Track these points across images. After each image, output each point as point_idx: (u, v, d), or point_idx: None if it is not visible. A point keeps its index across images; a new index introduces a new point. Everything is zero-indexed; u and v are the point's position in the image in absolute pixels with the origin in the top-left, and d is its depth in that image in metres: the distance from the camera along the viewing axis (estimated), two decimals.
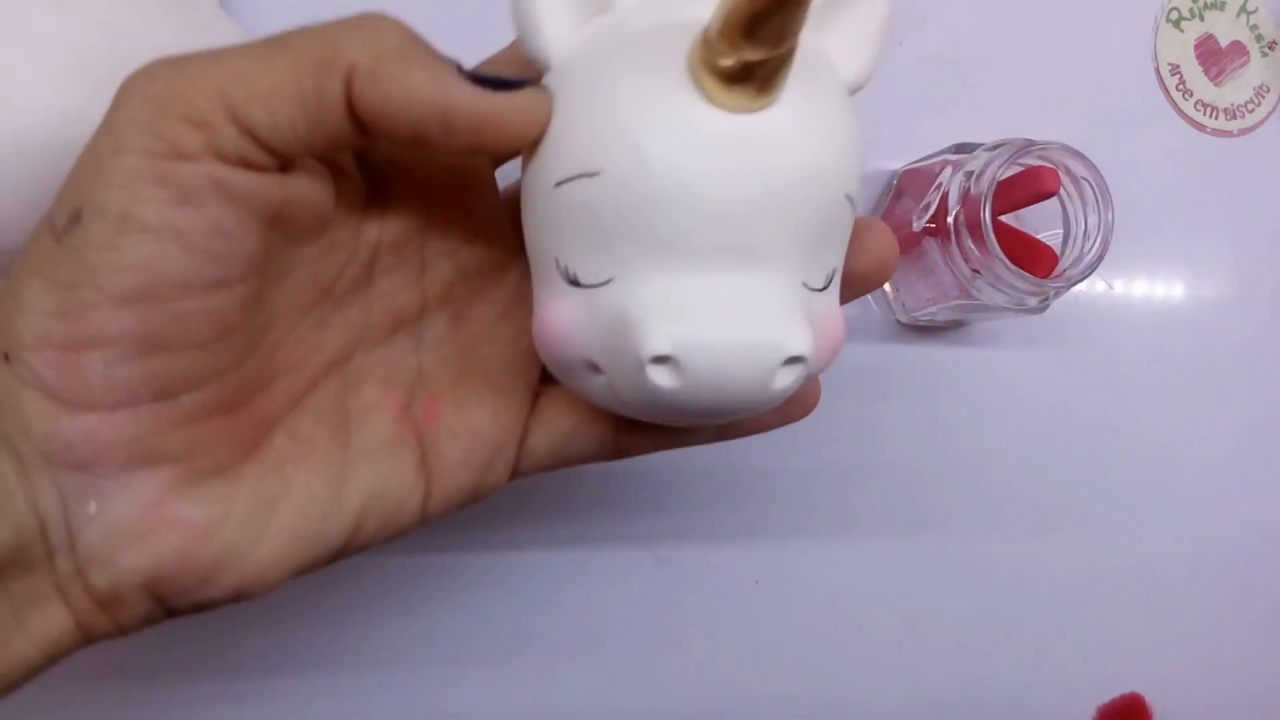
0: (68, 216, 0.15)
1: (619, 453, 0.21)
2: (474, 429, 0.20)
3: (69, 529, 0.15)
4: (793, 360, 0.16)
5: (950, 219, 0.27)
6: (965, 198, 0.27)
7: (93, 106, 0.21)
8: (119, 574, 0.16)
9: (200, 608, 0.17)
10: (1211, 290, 0.36)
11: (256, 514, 0.17)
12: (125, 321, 0.15)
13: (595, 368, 0.17)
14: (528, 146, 0.17)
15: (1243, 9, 0.36)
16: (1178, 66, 0.36)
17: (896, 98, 0.34)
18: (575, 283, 0.16)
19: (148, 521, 0.16)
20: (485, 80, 0.16)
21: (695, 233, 0.15)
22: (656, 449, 0.21)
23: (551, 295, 0.17)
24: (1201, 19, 0.36)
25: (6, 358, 0.15)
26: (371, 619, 0.30)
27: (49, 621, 0.16)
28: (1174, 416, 0.35)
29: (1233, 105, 0.36)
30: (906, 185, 0.32)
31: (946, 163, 0.29)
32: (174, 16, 0.23)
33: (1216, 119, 0.36)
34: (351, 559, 0.19)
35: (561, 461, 0.21)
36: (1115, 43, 0.36)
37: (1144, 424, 0.35)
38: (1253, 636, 0.36)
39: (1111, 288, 0.35)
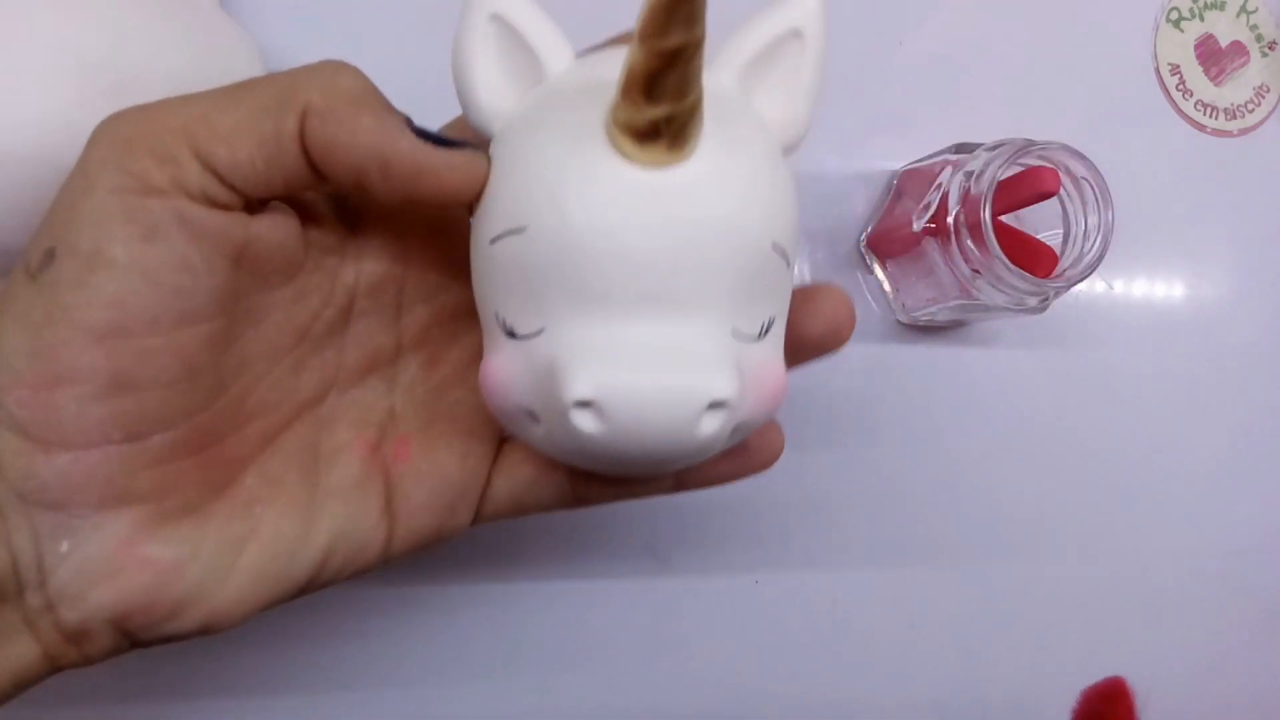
0: (41, 255, 0.16)
1: (578, 501, 0.22)
2: (441, 473, 0.20)
3: (40, 566, 0.16)
4: (716, 405, 0.16)
5: (950, 219, 0.27)
6: (965, 198, 0.27)
7: (93, 107, 0.21)
8: (89, 610, 0.16)
9: (166, 640, 0.17)
10: (1211, 290, 0.36)
11: (225, 553, 0.17)
12: (96, 358, 0.15)
13: (534, 416, 0.17)
14: (468, 205, 0.18)
15: (1243, 9, 0.36)
16: (1178, 66, 0.36)
17: (896, 98, 0.34)
18: (512, 334, 0.17)
19: (118, 560, 0.16)
20: (428, 135, 0.17)
21: (617, 283, 0.16)
22: (615, 499, 0.22)
23: (494, 347, 0.18)
24: (1201, 19, 0.36)
25: None
26: (371, 621, 0.30)
27: (17, 652, 0.16)
28: (1174, 416, 0.35)
29: (1233, 105, 0.36)
30: (906, 185, 0.32)
31: (946, 163, 0.29)
32: (174, 17, 0.23)
33: (1216, 119, 0.36)
34: None
35: (521, 509, 0.21)
36: (1115, 43, 0.36)
37: (1144, 423, 0.35)
38: (1253, 638, 0.36)
39: (1111, 288, 0.35)
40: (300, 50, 0.29)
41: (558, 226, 0.16)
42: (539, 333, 0.17)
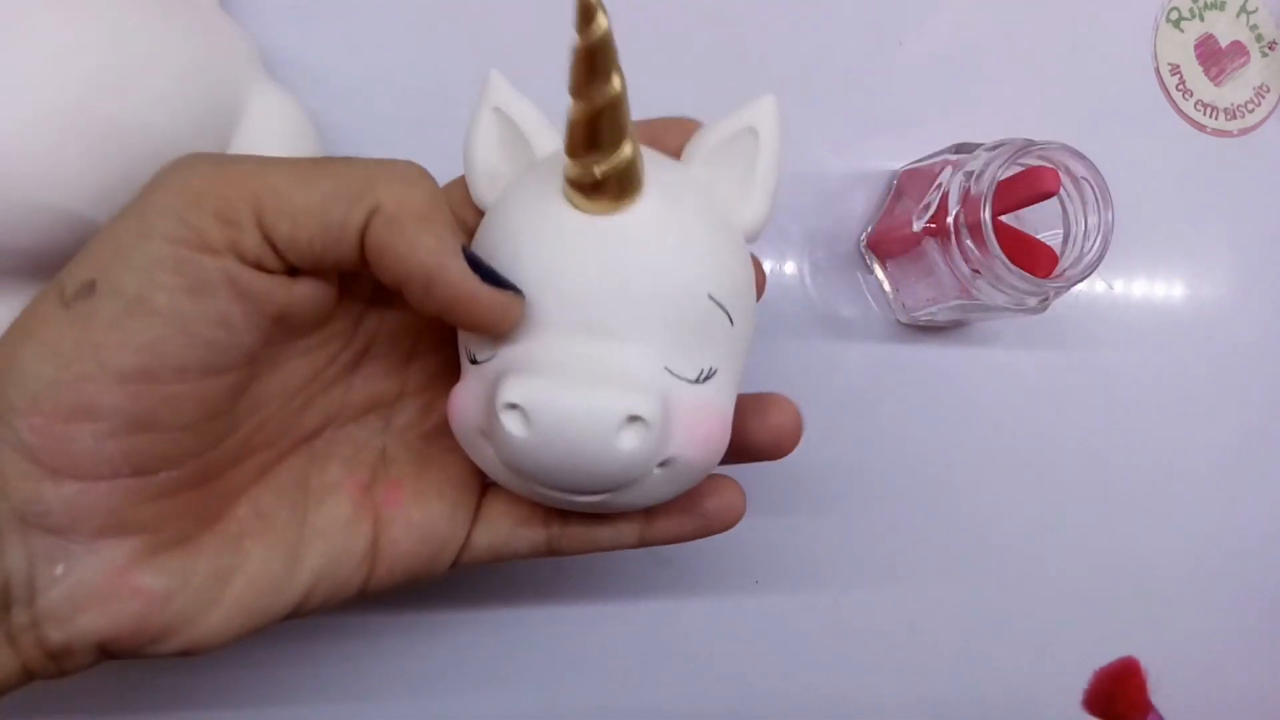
0: (80, 286, 0.16)
1: (552, 552, 0.22)
2: (430, 522, 0.20)
3: (31, 585, 0.16)
4: (634, 419, 0.17)
5: (950, 219, 0.27)
6: (965, 198, 0.27)
7: (92, 106, 0.21)
8: (75, 632, 0.16)
9: (145, 658, 0.17)
10: (1211, 290, 0.36)
11: (212, 585, 0.18)
12: (120, 398, 0.16)
13: (484, 434, 0.19)
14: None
15: (1243, 9, 0.36)
16: (1178, 66, 0.36)
17: (896, 98, 0.34)
18: (474, 361, 0.19)
19: (111, 588, 0.16)
20: (478, 265, 0.17)
21: (558, 312, 0.18)
22: (587, 550, 0.22)
23: (461, 378, 0.20)
24: (1201, 19, 0.36)
25: None
26: (369, 623, 0.30)
27: None
28: (1173, 416, 0.35)
29: (1233, 105, 0.36)
30: (906, 185, 0.32)
31: (946, 163, 0.29)
32: (174, 17, 0.23)
33: (1216, 119, 0.36)
34: None
35: (498, 558, 0.22)
36: (1115, 43, 0.36)
37: (1143, 423, 0.35)
38: (1253, 638, 0.36)
39: (1111, 288, 0.35)
40: (300, 50, 0.29)
41: (512, 263, 0.18)
42: (492, 357, 0.19)
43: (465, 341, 0.20)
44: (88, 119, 0.21)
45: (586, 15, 0.15)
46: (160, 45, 0.23)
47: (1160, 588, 0.35)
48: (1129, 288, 0.35)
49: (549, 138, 0.20)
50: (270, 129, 0.25)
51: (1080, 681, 0.34)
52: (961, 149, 0.29)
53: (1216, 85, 0.36)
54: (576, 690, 0.31)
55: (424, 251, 0.17)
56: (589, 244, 0.18)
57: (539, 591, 0.31)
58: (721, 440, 0.19)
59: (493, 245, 0.19)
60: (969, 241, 0.27)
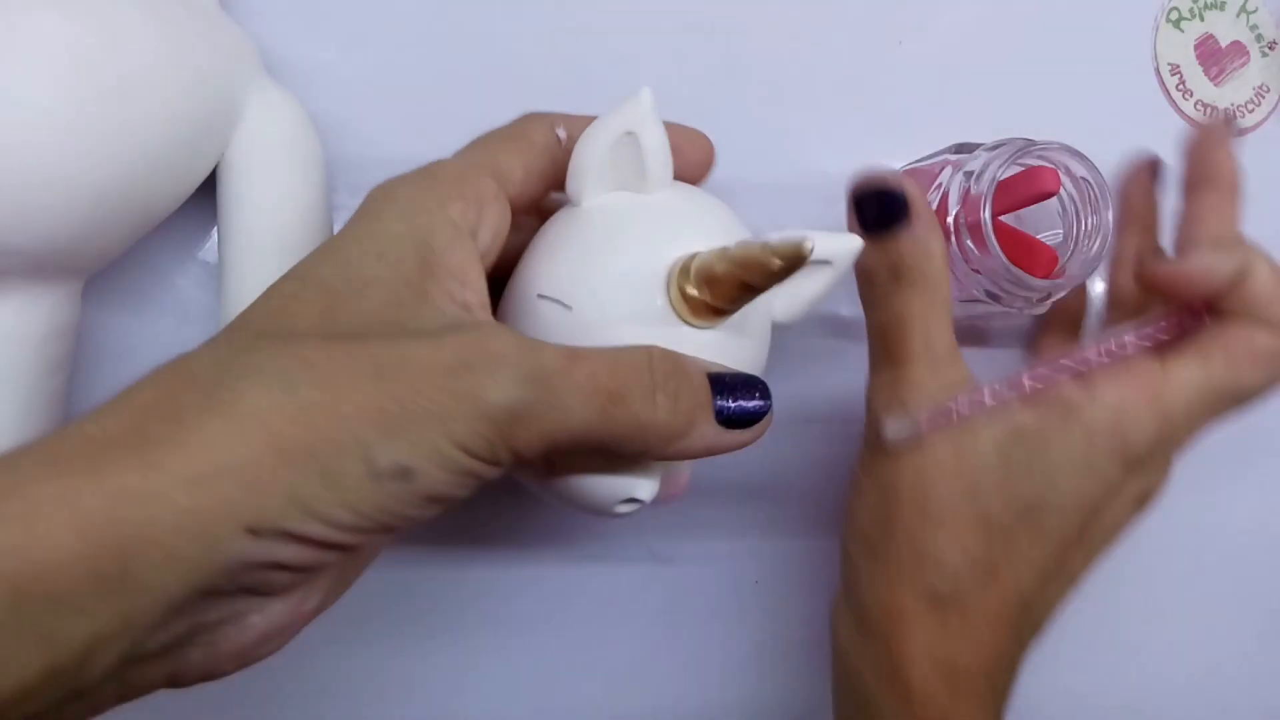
0: (397, 470, 0.16)
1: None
2: None
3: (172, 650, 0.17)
4: (631, 501, 0.22)
5: (950, 219, 0.27)
6: (965, 198, 0.27)
7: (93, 107, 0.21)
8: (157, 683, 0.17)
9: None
10: None
11: None
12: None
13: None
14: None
15: (1243, 9, 0.36)
16: (1178, 66, 0.36)
17: (896, 97, 0.34)
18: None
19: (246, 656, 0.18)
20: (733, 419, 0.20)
21: None
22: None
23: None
24: (1201, 19, 0.36)
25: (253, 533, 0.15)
26: (370, 625, 0.30)
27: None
28: None
29: (1233, 105, 0.36)
30: None
31: (946, 163, 0.29)
32: (174, 17, 0.23)
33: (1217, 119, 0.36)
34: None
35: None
36: (1115, 43, 0.36)
37: None
38: (1253, 639, 0.36)
39: None
40: (300, 51, 0.29)
41: (596, 328, 0.20)
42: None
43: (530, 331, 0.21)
44: (88, 120, 0.21)
45: (798, 260, 0.18)
46: (160, 46, 0.23)
47: (1160, 587, 0.35)
48: None
49: (666, 174, 0.22)
50: (270, 130, 0.26)
51: (1079, 680, 0.34)
52: (961, 149, 0.29)
53: (1216, 85, 0.36)
54: (576, 690, 0.31)
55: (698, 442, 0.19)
56: (664, 341, 0.20)
57: (539, 592, 0.31)
58: (681, 489, 0.25)
59: (577, 285, 0.21)
60: (969, 241, 0.27)
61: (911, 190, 0.24)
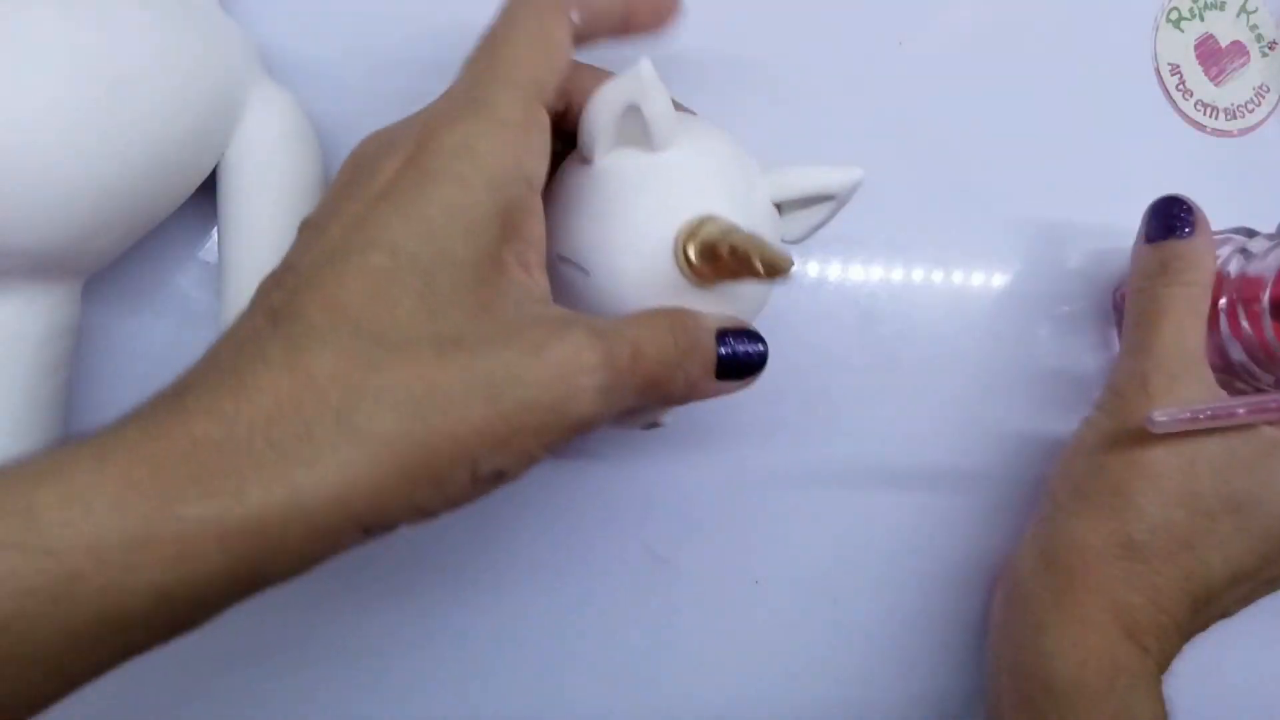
0: (494, 474, 0.18)
1: None
2: None
3: None
4: (653, 425, 0.25)
5: (1226, 294, 0.28)
6: (1244, 275, 0.28)
7: (92, 107, 0.21)
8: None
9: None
10: None
11: None
12: None
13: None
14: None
15: (1243, 9, 0.36)
16: (1178, 66, 0.36)
17: (897, 97, 0.34)
18: (561, 258, 0.23)
19: None
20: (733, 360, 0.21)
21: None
22: None
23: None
24: (1201, 19, 0.36)
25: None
26: (367, 625, 0.30)
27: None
28: None
29: (1233, 105, 0.36)
30: None
31: (1230, 239, 0.30)
32: (173, 16, 0.23)
33: (1216, 119, 0.36)
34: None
35: None
36: (1115, 43, 0.36)
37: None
38: (1253, 639, 0.36)
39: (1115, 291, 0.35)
40: (300, 51, 0.29)
41: (613, 294, 0.22)
42: (589, 276, 0.23)
43: (557, 237, 0.23)
44: (88, 119, 0.21)
45: (779, 273, 0.19)
46: (159, 45, 0.23)
47: None
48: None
49: (670, 135, 0.22)
50: (270, 130, 0.26)
51: None
52: (1248, 232, 0.30)
53: (1216, 85, 0.36)
54: (575, 690, 0.31)
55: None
56: (679, 300, 0.22)
57: (536, 591, 0.31)
58: None
59: (596, 251, 0.22)
60: (1242, 315, 0.28)
61: (1200, 211, 0.27)
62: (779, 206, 0.24)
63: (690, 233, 0.21)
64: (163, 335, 0.28)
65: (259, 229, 0.25)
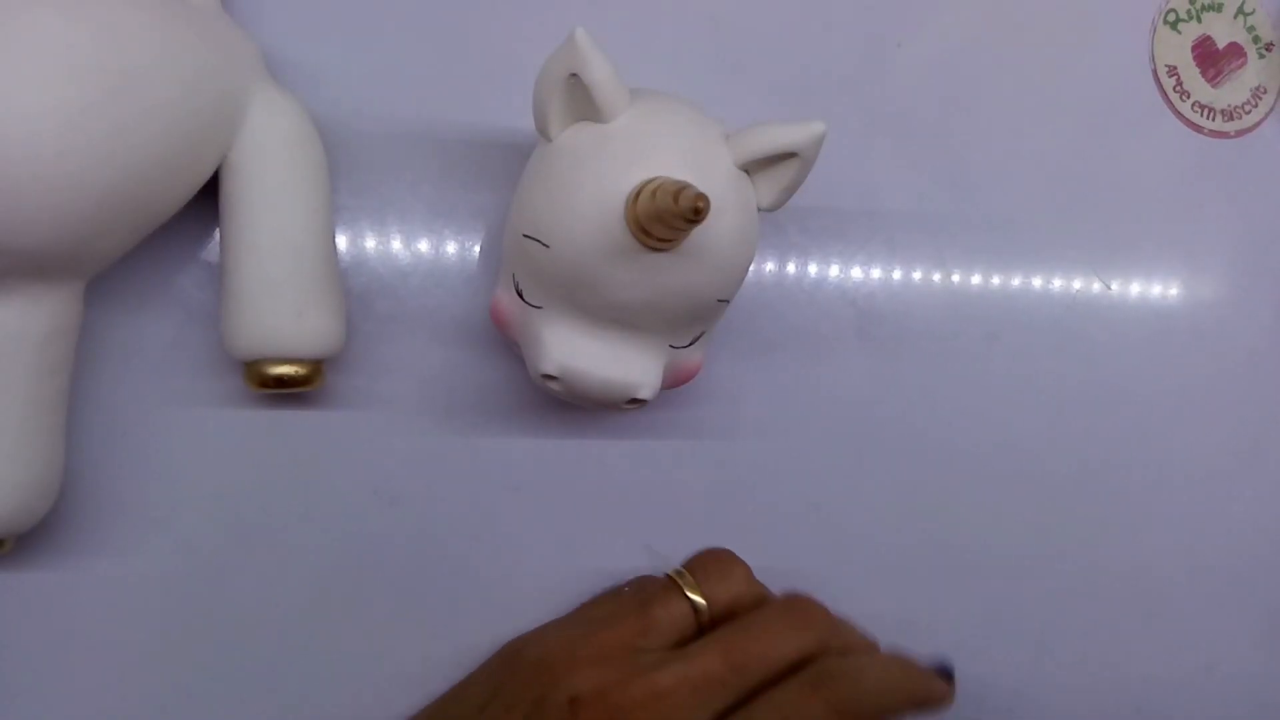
0: (568, 702, 0.22)
1: None
2: None
3: None
4: (635, 401, 0.25)
5: None
6: None
7: (94, 108, 0.21)
8: None
9: None
10: (1209, 291, 0.36)
11: None
12: None
13: (517, 346, 0.26)
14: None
15: (1240, 10, 0.37)
16: (1175, 68, 0.36)
17: (897, 98, 0.34)
18: (520, 294, 0.24)
19: None
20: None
21: (596, 310, 0.23)
22: None
23: (505, 288, 0.25)
24: (1199, 20, 0.36)
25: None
26: (369, 625, 0.30)
27: None
28: (1171, 417, 0.36)
29: (1230, 106, 0.36)
30: None
31: None
32: (174, 17, 0.23)
33: (1214, 120, 0.36)
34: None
35: None
36: (1112, 45, 0.36)
37: (1142, 424, 0.35)
38: (1253, 639, 0.36)
39: (1110, 288, 0.35)
40: (303, 53, 0.29)
41: (574, 264, 0.22)
42: (539, 308, 0.24)
43: (516, 273, 0.24)
44: (90, 121, 0.21)
45: (694, 215, 0.19)
46: (162, 48, 0.23)
47: (1158, 588, 0.35)
48: (1126, 289, 0.36)
49: (620, 102, 0.22)
50: (272, 131, 0.26)
51: (1077, 679, 0.34)
52: None
53: (1214, 87, 0.36)
54: None
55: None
56: (639, 268, 0.22)
57: (536, 591, 0.31)
58: (693, 376, 0.27)
59: (553, 225, 0.22)
60: None
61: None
62: (748, 172, 0.24)
63: (636, 195, 0.21)
64: (164, 336, 0.28)
65: (261, 230, 0.25)
